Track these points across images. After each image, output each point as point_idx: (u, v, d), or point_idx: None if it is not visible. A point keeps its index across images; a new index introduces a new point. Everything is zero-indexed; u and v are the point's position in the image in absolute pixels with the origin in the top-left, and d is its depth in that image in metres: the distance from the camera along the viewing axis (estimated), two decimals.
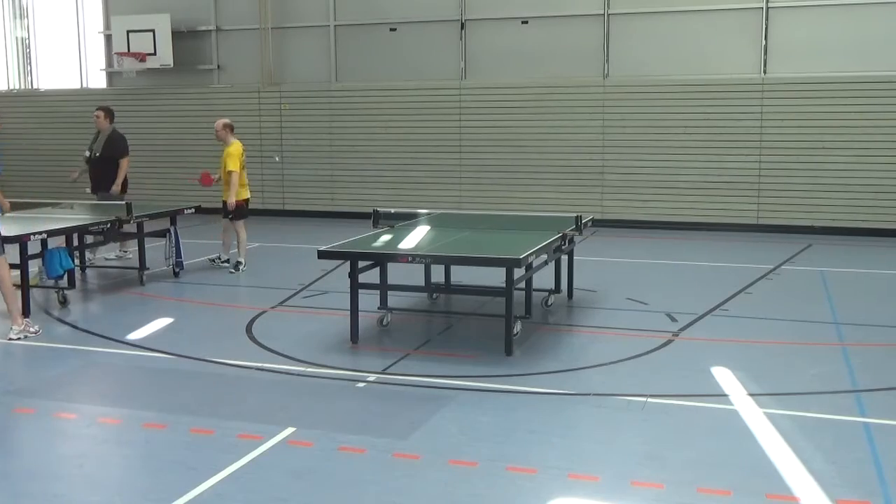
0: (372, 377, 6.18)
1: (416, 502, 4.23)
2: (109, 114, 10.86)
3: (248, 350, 6.98)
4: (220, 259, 10.81)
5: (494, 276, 7.19)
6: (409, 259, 7.01)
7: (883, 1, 13.09)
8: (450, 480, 4.45)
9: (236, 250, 10.64)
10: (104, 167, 10.70)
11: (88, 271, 10.39)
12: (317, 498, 4.27)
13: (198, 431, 5.13)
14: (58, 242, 9.11)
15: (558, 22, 14.60)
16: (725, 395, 5.80)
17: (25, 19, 18.08)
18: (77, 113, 16.94)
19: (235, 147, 10.50)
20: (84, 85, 17.72)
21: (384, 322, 7.62)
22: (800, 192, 13.60)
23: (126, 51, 16.33)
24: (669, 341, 7.20)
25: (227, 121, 10.71)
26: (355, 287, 7.05)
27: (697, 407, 5.66)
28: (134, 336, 7.49)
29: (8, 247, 7.65)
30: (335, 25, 15.83)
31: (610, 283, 9.62)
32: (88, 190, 10.98)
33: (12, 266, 8.29)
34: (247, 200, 10.71)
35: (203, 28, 16.55)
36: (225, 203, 10.50)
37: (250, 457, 4.72)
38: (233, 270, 10.44)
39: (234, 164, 10.36)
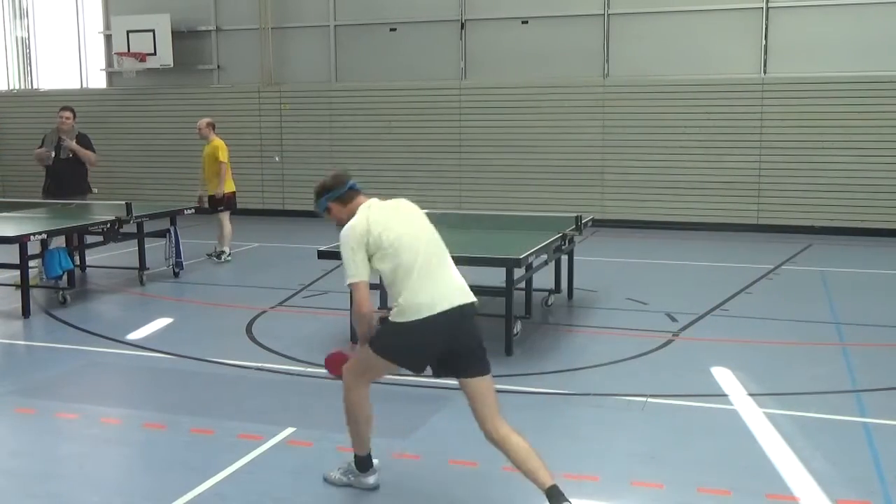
0: None
1: (416, 502, 4.23)
2: (75, 114, 10.45)
3: (248, 350, 6.98)
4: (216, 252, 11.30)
5: (494, 276, 7.19)
6: None
7: (883, 1, 13.09)
8: (450, 480, 4.45)
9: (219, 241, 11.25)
10: (77, 168, 10.16)
11: (88, 271, 10.38)
12: (317, 498, 4.27)
13: (198, 431, 5.13)
14: (58, 243, 9.12)
15: (558, 22, 14.60)
16: (725, 395, 5.81)
17: (25, 19, 18.08)
18: (77, 113, 16.89)
19: (220, 142, 11.14)
20: (84, 85, 17.72)
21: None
22: (800, 192, 13.61)
23: (126, 51, 16.34)
24: (669, 341, 7.20)
25: (209, 119, 11.47)
26: None
27: (697, 407, 5.67)
28: (134, 336, 7.49)
29: (8, 247, 7.66)
30: (335, 25, 15.83)
31: (610, 283, 9.62)
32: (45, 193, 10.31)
33: (12, 266, 8.32)
34: (234, 193, 11.34)
35: (203, 28, 16.55)
36: (210, 197, 11.10)
37: (250, 457, 4.72)
38: (217, 259, 11.02)
39: (224, 156, 10.99)
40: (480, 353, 4.07)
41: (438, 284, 4.03)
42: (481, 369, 4.04)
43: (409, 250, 4.02)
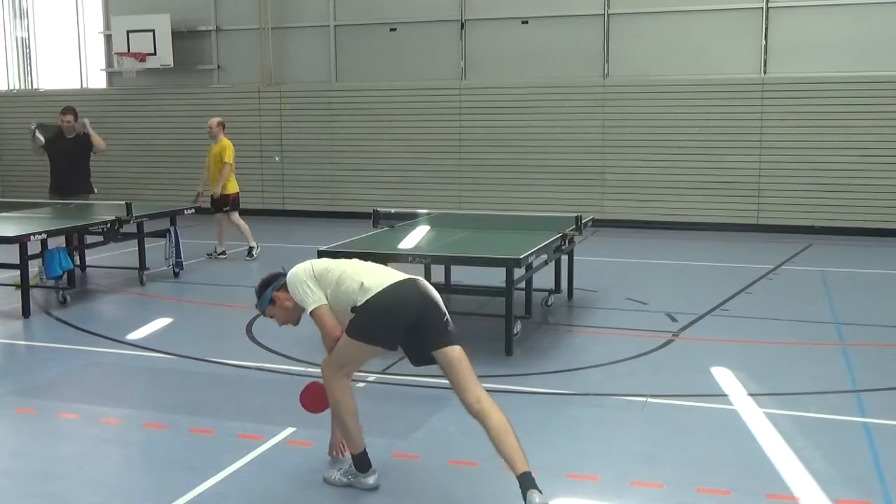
0: (372, 377, 6.17)
1: (416, 502, 4.23)
2: (76, 115, 10.42)
3: (248, 350, 6.98)
4: (216, 252, 11.42)
5: (494, 276, 7.19)
6: (409, 259, 7.00)
7: (883, 1, 13.09)
8: (450, 480, 4.45)
9: (245, 240, 11.44)
10: (80, 168, 10.36)
11: (88, 271, 10.39)
12: (316, 498, 4.27)
13: (198, 431, 5.13)
14: (57, 243, 9.12)
15: (558, 22, 14.60)
16: (725, 395, 5.81)
17: (25, 19, 18.08)
18: (78, 113, 16.90)
19: (228, 142, 11.31)
20: (84, 85, 17.72)
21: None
22: (800, 192, 13.61)
23: (126, 51, 16.34)
24: (669, 341, 7.20)
25: (220, 119, 11.59)
26: None
27: (697, 407, 5.67)
28: (134, 336, 7.49)
29: (8, 247, 7.65)
30: (335, 25, 15.83)
31: (610, 283, 9.62)
32: (61, 196, 10.43)
33: (12, 266, 8.31)
34: (238, 193, 11.53)
35: (203, 28, 16.55)
36: (213, 196, 11.30)
37: (250, 457, 4.72)
38: (248, 258, 11.26)
39: (230, 157, 11.17)
40: (447, 323, 4.21)
41: (388, 270, 4.38)
42: (450, 338, 4.17)
43: (348, 262, 4.42)
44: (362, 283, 4.16)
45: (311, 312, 4.22)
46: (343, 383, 4.28)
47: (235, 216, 11.33)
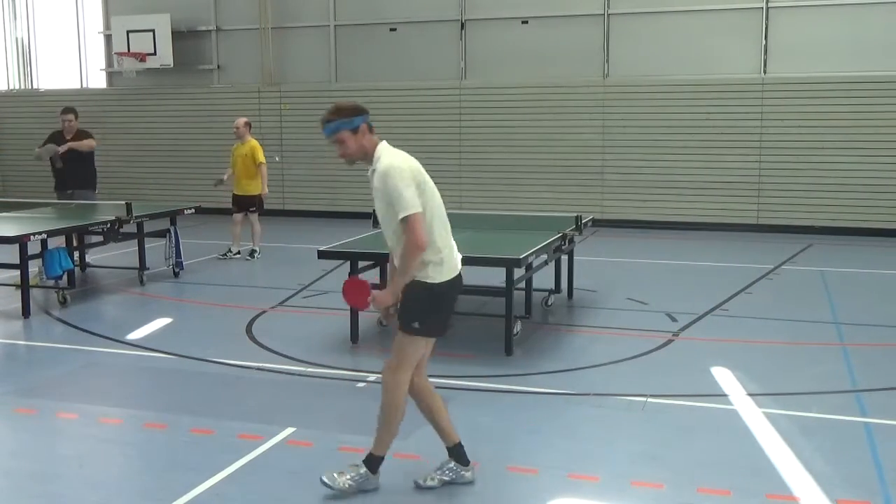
0: (372, 377, 6.17)
1: (416, 502, 4.23)
2: (76, 115, 10.55)
3: (248, 350, 6.98)
4: (231, 252, 11.41)
5: (494, 276, 7.19)
6: None
7: (883, 1, 13.09)
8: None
9: (252, 241, 11.47)
10: (81, 165, 10.40)
11: (88, 271, 10.39)
12: (316, 498, 4.26)
13: (198, 431, 5.13)
14: (57, 243, 9.12)
15: (558, 22, 14.60)
16: (725, 395, 5.81)
17: (25, 19, 18.08)
18: (78, 113, 16.89)
19: (256, 142, 11.38)
20: (84, 85, 17.72)
21: (384, 322, 7.61)
22: (800, 192, 13.60)
23: (126, 51, 16.34)
24: (669, 341, 7.20)
25: (247, 119, 11.62)
26: None
27: (697, 407, 5.67)
28: (134, 336, 7.49)
29: (8, 247, 7.64)
30: (335, 25, 15.83)
31: (610, 283, 9.62)
32: (66, 191, 10.53)
33: (12, 266, 8.32)
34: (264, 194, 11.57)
35: (203, 28, 16.55)
36: (241, 197, 11.32)
37: (250, 457, 4.72)
38: (249, 258, 11.27)
39: (262, 156, 11.25)
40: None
41: (454, 242, 4.32)
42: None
43: (440, 203, 4.24)
44: (441, 256, 4.10)
45: (406, 216, 3.95)
46: (407, 387, 4.23)
47: (254, 216, 11.37)
